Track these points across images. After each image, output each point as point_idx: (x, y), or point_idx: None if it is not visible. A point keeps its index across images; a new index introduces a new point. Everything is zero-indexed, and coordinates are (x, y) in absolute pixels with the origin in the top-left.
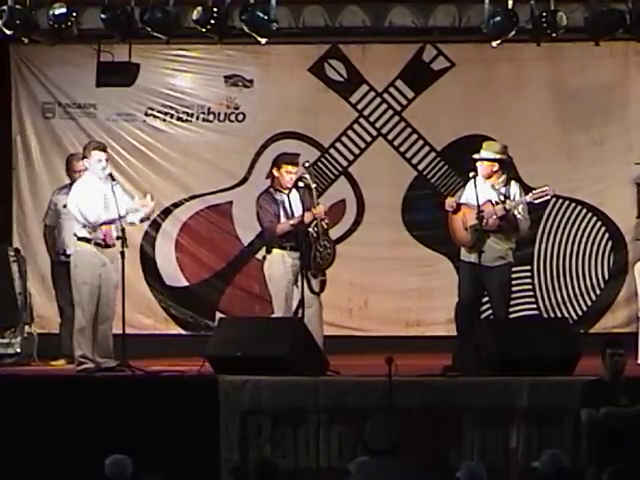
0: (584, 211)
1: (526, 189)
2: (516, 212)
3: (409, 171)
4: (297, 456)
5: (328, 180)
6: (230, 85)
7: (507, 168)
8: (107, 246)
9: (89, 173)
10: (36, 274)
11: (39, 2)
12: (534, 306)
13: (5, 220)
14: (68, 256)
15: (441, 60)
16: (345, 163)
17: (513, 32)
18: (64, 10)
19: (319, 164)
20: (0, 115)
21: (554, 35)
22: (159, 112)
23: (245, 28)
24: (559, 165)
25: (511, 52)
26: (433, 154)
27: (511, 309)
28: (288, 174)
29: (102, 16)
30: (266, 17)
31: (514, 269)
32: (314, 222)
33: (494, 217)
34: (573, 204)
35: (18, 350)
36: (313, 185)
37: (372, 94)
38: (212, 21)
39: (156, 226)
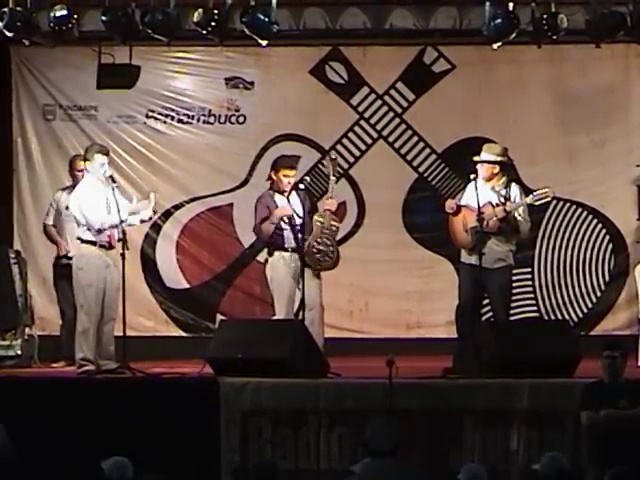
0: (585, 213)
1: (526, 191)
2: (516, 214)
3: (410, 173)
4: (297, 458)
5: (327, 181)
6: (231, 87)
7: (507, 170)
8: (111, 248)
9: (90, 176)
10: (37, 276)
11: (40, 4)
12: (534, 308)
13: (6, 222)
14: (69, 258)
15: (442, 62)
16: (346, 165)
17: (514, 34)
18: (65, 12)
19: (320, 166)
20: (1, 117)
21: (555, 37)
22: (160, 114)
23: (246, 30)
24: (560, 167)
25: (512, 54)
26: (434, 156)
27: (512, 311)
28: (286, 178)
29: (103, 18)
30: (267, 19)
31: (515, 271)
32: (319, 217)
33: (494, 219)
34: (574, 206)
35: (19, 352)
36: (332, 177)
37: (373, 96)
38: (213, 23)
39: (157, 228)
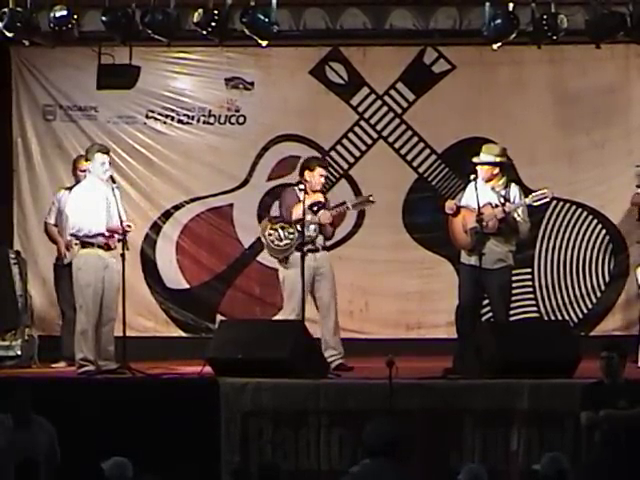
0: (585, 214)
1: (526, 192)
2: (516, 215)
3: (410, 174)
4: (298, 458)
5: (329, 183)
6: (231, 87)
7: (507, 170)
8: (110, 249)
9: (91, 176)
10: (37, 276)
11: (40, 4)
12: (535, 309)
13: (6, 222)
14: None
15: (442, 63)
16: (346, 166)
17: (514, 35)
18: (65, 12)
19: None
20: (1, 117)
21: (555, 38)
22: (160, 114)
23: (246, 30)
24: (560, 168)
25: (512, 55)
26: (434, 157)
27: (512, 312)
28: (321, 176)
29: (103, 18)
30: (267, 19)
31: (515, 272)
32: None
33: (494, 220)
34: (574, 207)
35: (19, 352)
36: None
37: (373, 97)
38: (213, 23)
39: (157, 229)
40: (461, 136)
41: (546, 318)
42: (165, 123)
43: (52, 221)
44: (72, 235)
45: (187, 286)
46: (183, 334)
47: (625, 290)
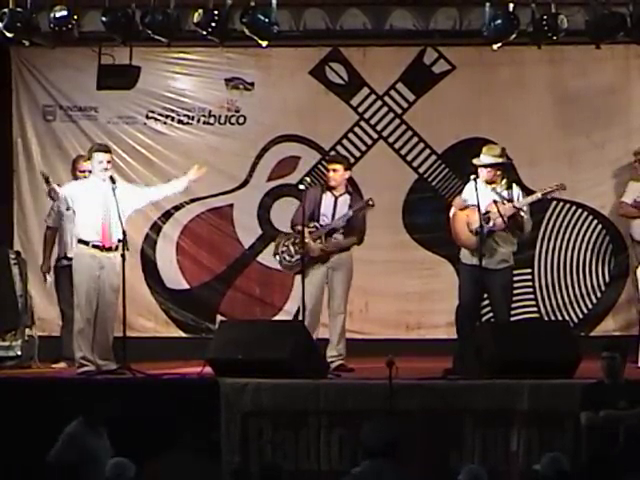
0: (585, 214)
1: (527, 192)
2: (522, 212)
3: (410, 174)
4: (298, 459)
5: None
6: (231, 88)
7: (509, 171)
8: (106, 249)
9: (93, 176)
10: (37, 277)
11: (40, 5)
12: (535, 309)
13: (6, 222)
14: (69, 259)
15: (442, 63)
16: None
17: (514, 35)
18: (65, 13)
19: (320, 167)
20: (1, 118)
21: (555, 38)
22: (160, 115)
23: (246, 31)
24: (560, 168)
25: (512, 55)
26: (434, 157)
27: (512, 312)
28: (329, 172)
29: (103, 19)
30: (267, 20)
31: (515, 272)
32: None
33: (500, 219)
34: (574, 207)
35: (19, 353)
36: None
37: (373, 97)
38: (213, 24)
39: (157, 229)
40: (461, 136)
41: (546, 318)
42: (165, 123)
43: (51, 223)
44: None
45: (187, 286)
46: (183, 334)
47: (625, 290)
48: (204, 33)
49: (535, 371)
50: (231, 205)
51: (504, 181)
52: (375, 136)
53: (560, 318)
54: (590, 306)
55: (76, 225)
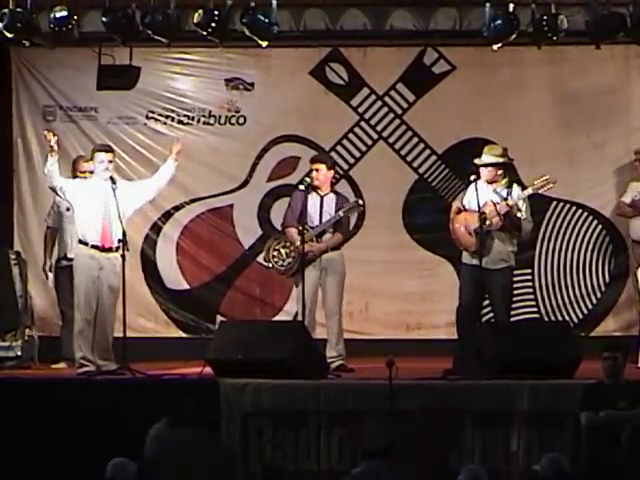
0: (585, 214)
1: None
2: (519, 214)
3: (410, 174)
4: (298, 459)
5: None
6: (231, 88)
7: (509, 171)
8: (106, 250)
9: (95, 177)
10: (37, 277)
11: (40, 5)
12: (535, 309)
13: (6, 223)
14: (69, 259)
15: (442, 63)
16: (346, 166)
17: (514, 35)
18: (65, 13)
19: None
20: (1, 118)
21: (555, 38)
22: (160, 115)
23: (246, 31)
24: (560, 168)
25: (512, 55)
26: (434, 157)
27: (512, 312)
28: (315, 172)
29: (103, 19)
30: (267, 20)
31: (515, 272)
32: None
33: (496, 217)
34: (574, 207)
35: (19, 353)
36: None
37: (373, 97)
38: (213, 24)
39: (157, 229)
40: (461, 137)
41: (546, 319)
42: (165, 124)
43: (51, 223)
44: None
45: (187, 287)
46: (183, 335)
47: (625, 290)
48: (204, 33)
49: (535, 371)
50: (231, 205)
51: (504, 181)
52: (375, 136)
53: (560, 318)
54: (590, 306)
55: (76, 225)
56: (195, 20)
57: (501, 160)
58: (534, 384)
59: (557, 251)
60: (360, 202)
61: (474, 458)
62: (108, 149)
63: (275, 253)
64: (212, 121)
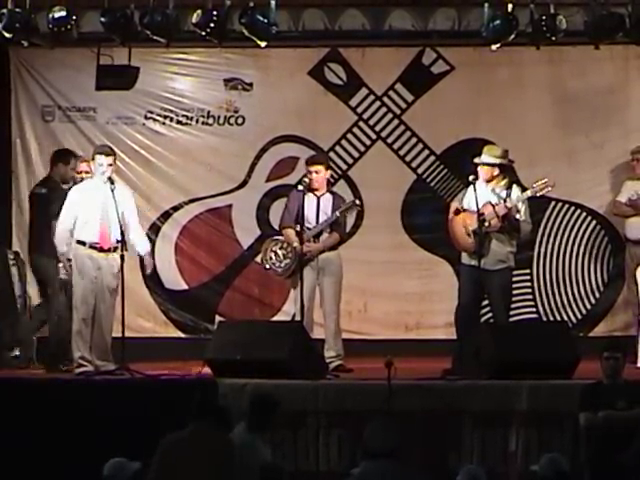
0: (584, 214)
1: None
2: (518, 215)
3: (409, 174)
4: (297, 459)
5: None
6: (230, 88)
7: (508, 172)
8: (104, 250)
9: (94, 178)
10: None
11: (39, 5)
12: (533, 309)
13: (4, 223)
14: (68, 260)
15: (441, 64)
16: (344, 166)
17: (513, 36)
18: (64, 13)
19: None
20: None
21: (554, 39)
22: (159, 115)
23: (245, 31)
24: (559, 168)
25: (511, 55)
26: (432, 157)
27: (511, 312)
28: (310, 174)
29: (102, 19)
30: (266, 20)
31: (514, 272)
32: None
33: (495, 218)
34: (573, 207)
35: (17, 353)
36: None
37: (371, 97)
38: (212, 24)
39: (156, 229)
40: (460, 137)
41: (545, 319)
42: (164, 124)
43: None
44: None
45: (186, 287)
46: (182, 335)
47: (624, 291)
48: (203, 34)
49: (534, 372)
50: (230, 206)
51: (504, 182)
52: (374, 136)
53: (559, 318)
54: (589, 307)
55: (75, 226)
56: (194, 20)
57: (499, 161)
58: (533, 384)
59: (556, 251)
60: (357, 202)
61: (473, 458)
62: (109, 152)
63: (272, 255)
64: (211, 121)
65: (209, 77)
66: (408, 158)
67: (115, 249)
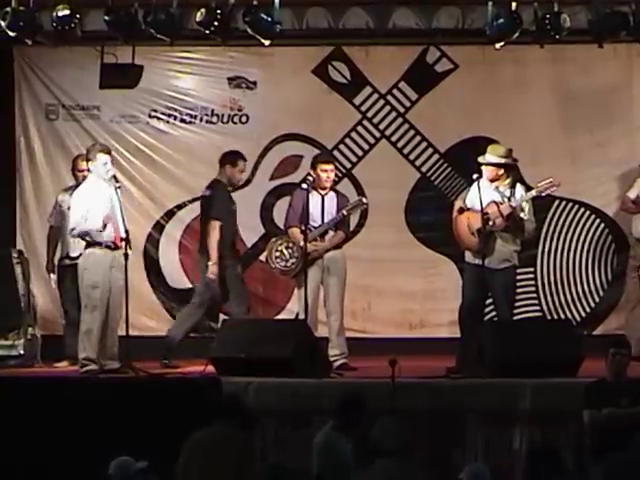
0: (587, 213)
1: (529, 191)
2: (522, 214)
3: (412, 173)
4: (301, 458)
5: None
6: (234, 87)
7: (512, 171)
8: (116, 248)
9: (93, 176)
10: (39, 276)
11: (42, 4)
12: (537, 308)
13: (8, 222)
14: (72, 258)
15: (444, 62)
16: (349, 165)
17: (516, 34)
18: (67, 12)
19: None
20: (3, 117)
21: (557, 37)
22: (163, 114)
23: (249, 30)
24: (563, 167)
25: (514, 54)
26: (436, 156)
27: (514, 311)
28: (323, 172)
29: (106, 18)
30: (269, 19)
31: (517, 271)
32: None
33: (500, 218)
34: (577, 206)
35: (21, 352)
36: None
37: (375, 96)
38: (216, 23)
39: (159, 228)
40: (464, 135)
41: (549, 317)
42: (168, 122)
43: (53, 222)
44: (75, 235)
45: (190, 285)
46: None
47: (627, 289)
48: (207, 32)
49: (538, 370)
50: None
51: (508, 180)
52: (378, 135)
53: (563, 317)
54: (593, 305)
55: (84, 227)
56: (197, 19)
57: (503, 161)
58: (537, 382)
59: (560, 250)
60: (364, 200)
61: (477, 456)
62: (109, 150)
63: (278, 254)
64: (215, 120)
65: (213, 75)
66: (412, 156)
67: (121, 247)
